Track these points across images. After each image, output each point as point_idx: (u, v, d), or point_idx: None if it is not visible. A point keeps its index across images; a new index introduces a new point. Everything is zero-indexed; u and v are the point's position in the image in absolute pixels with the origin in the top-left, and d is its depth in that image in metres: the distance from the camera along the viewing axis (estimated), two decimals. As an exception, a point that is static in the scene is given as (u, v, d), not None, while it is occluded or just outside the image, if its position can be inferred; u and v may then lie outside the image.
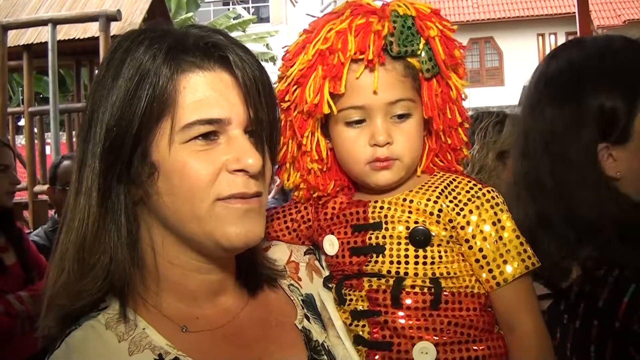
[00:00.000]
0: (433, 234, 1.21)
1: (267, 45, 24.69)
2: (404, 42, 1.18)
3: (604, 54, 1.50)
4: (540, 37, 25.92)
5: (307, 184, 1.31)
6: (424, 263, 1.20)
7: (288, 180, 1.32)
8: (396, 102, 1.20)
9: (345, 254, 1.27)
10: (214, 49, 1.11)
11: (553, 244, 1.43)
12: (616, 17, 23.99)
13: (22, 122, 9.17)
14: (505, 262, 1.20)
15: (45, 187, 4.24)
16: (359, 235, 1.25)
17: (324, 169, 1.29)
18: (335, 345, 1.24)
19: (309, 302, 1.29)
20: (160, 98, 1.06)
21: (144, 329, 1.10)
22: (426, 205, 1.22)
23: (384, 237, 1.23)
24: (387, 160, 1.22)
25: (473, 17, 24.75)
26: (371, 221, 1.25)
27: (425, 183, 1.26)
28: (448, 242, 1.22)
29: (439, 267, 1.20)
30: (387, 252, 1.22)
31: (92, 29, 8.09)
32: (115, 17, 7.45)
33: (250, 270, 1.24)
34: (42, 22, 7.52)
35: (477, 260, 1.21)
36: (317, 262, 1.37)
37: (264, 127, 1.14)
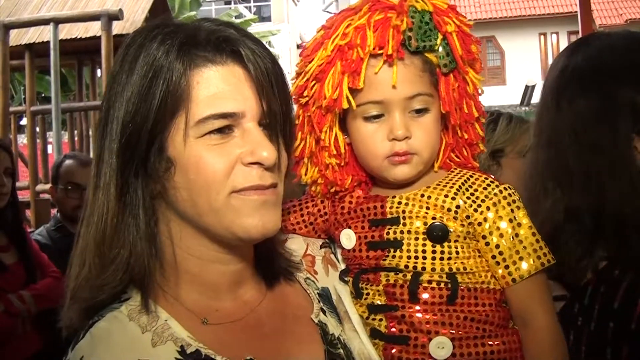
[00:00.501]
0: (450, 230, 1.21)
1: (269, 43, 24.72)
2: (422, 37, 1.19)
3: (633, 47, 1.50)
4: (542, 37, 25.92)
5: (325, 179, 1.31)
6: (441, 258, 1.21)
7: (306, 175, 1.33)
8: (414, 96, 1.21)
9: (363, 248, 1.27)
10: (226, 43, 1.11)
11: (574, 238, 1.43)
12: (618, 17, 23.98)
13: (24, 122, 9.19)
14: (521, 258, 1.21)
15: (48, 186, 4.25)
16: (376, 229, 1.26)
17: (342, 164, 1.30)
18: (351, 338, 1.25)
19: (324, 296, 1.30)
20: (174, 93, 1.07)
21: (166, 320, 1.12)
22: (444, 201, 1.23)
23: (401, 232, 1.23)
24: (406, 155, 1.23)
25: (475, 16, 24.73)
26: (389, 216, 1.25)
27: (443, 179, 1.27)
28: (465, 238, 1.22)
29: (455, 263, 1.21)
30: (404, 247, 1.23)
31: (94, 28, 8.10)
32: (117, 16, 7.45)
33: (268, 260, 1.25)
34: (44, 22, 7.53)
35: (493, 257, 1.22)
36: (332, 256, 1.38)
37: (278, 119, 1.15)
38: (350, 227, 1.30)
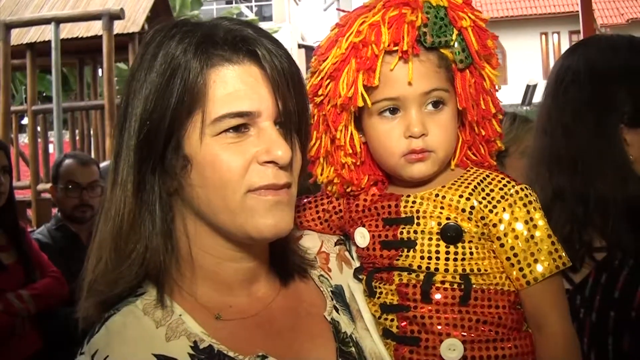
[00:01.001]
0: (465, 230, 1.20)
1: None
2: (437, 32, 1.17)
3: (630, 49, 1.60)
4: (543, 36, 25.91)
5: (341, 179, 1.31)
6: (455, 259, 1.20)
7: (321, 174, 1.32)
8: (430, 92, 1.20)
9: (376, 247, 1.27)
10: (243, 42, 1.12)
11: (562, 217, 1.47)
12: (619, 16, 23.97)
13: (25, 121, 9.21)
14: (536, 261, 1.19)
15: (49, 185, 4.25)
16: (390, 229, 1.25)
17: (358, 163, 1.29)
18: (363, 337, 1.25)
19: (338, 293, 1.30)
20: (191, 92, 1.08)
21: (180, 315, 1.13)
22: (458, 201, 1.21)
23: (415, 232, 1.22)
24: (423, 152, 1.21)
25: (476, 15, 24.65)
26: (403, 215, 1.24)
27: (459, 179, 1.26)
28: (479, 239, 1.21)
29: (469, 264, 1.20)
30: (418, 247, 1.22)
31: (95, 28, 8.12)
32: (118, 15, 7.47)
33: (283, 257, 1.26)
34: (45, 21, 7.54)
35: (508, 258, 1.20)
36: (347, 253, 1.38)
37: (294, 119, 1.15)
38: (364, 226, 1.29)
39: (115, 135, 1.17)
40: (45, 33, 8.00)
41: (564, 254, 1.21)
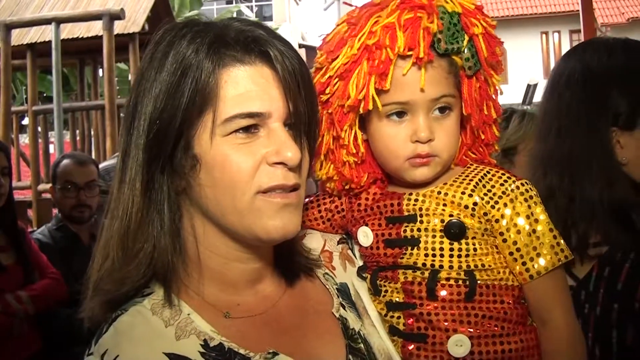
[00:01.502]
0: (468, 226, 1.21)
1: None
2: (450, 39, 1.17)
3: (625, 52, 1.62)
4: (544, 35, 25.91)
5: (341, 176, 1.31)
6: (459, 255, 1.21)
7: (320, 170, 1.32)
8: (440, 98, 1.20)
9: (380, 246, 1.27)
10: (255, 43, 1.12)
11: (554, 216, 1.49)
12: (620, 15, 23.96)
13: (25, 121, 9.22)
14: (538, 255, 1.21)
15: (49, 186, 4.25)
16: (393, 227, 1.26)
17: (359, 162, 1.29)
18: (371, 333, 1.26)
19: (343, 291, 1.31)
20: (202, 92, 1.08)
21: (188, 314, 1.13)
22: (461, 198, 1.22)
23: (418, 229, 1.23)
24: (428, 157, 1.22)
25: (476, 15, 24.66)
26: (406, 213, 1.25)
27: (460, 176, 1.27)
28: (482, 235, 1.22)
29: (473, 260, 1.21)
30: (422, 245, 1.22)
31: (95, 28, 8.13)
32: (118, 15, 7.47)
33: (288, 258, 1.26)
34: (45, 21, 7.55)
35: (510, 253, 1.21)
36: (349, 252, 1.38)
37: (303, 120, 1.16)
38: (367, 225, 1.30)
39: (122, 134, 1.16)
40: (45, 33, 8.00)
41: (565, 247, 1.22)
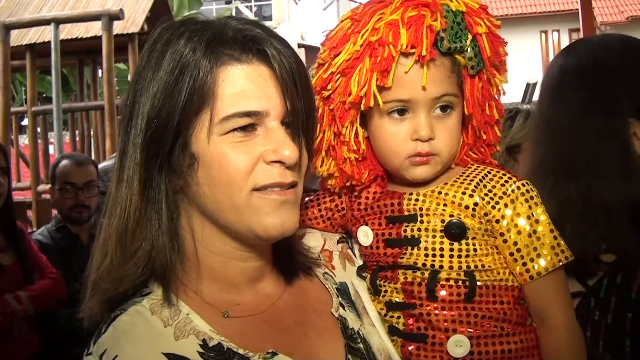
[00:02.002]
0: (468, 227, 1.21)
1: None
2: (453, 38, 1.17)
3: (625, 48, 1.59)
4: (543, 34, 25.89)
5: (342, 173, 1.30)
6: (459, 256, 1.20)
7: (321, 167, 1.32)
8: (441, 97, 1.20)
9: (380, 245, 1.27)
10: (252, 42, 1.12)
11: (573, 225, 1.44)
12: (619, 14, 23.95)
13: (25, 122, 9.21)
14: (538, 255, 1.20)
15: (49, 186, 4.25)
16: (393, 227, 1.25)
17: (360, 159, 1.29)
18: (370, 333, 1.26)
19: (343, 291, 1.30)
20: (200, 90, 1.08)
21: (187, 314, 1.13)
22: (462, 198, 1.22)
23: (419, 229, 1.23)
24: (428, 156, 1.22)
25: (475, 14, 24.63)
26: (406, 213, 1.24)
27: (460, 176, 1.26)
28: (483, 235, 1.22)
29: (473, 260, 1.21)
30: (422, 245, 1.22)
31: (94, 28, 8.12)
32: (117, 16, 7.46)
33: (287, 257, 1.26)
34: (44, 22, 7.54)
35: (511, 254, 1.21)
36: (349, 251, 1.38)
37: (301, 119, 1.16)
38: (367, 224, 1.29)
39: (120, 133, 1.17)
40: (44, 34, 8.00)
41: (566, 248, 1.22)
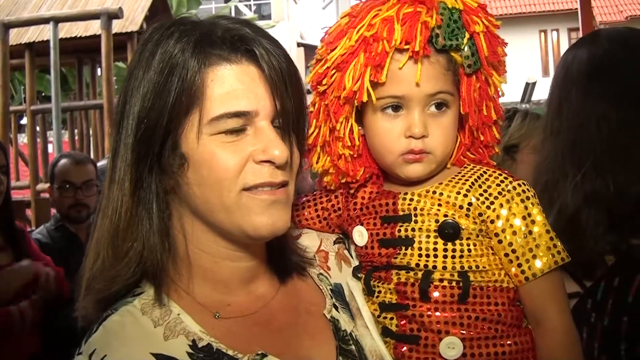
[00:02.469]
0: (462, 227, 1.20)
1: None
2: (449, 35, 1.16)
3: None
4: (542, 34, 25.90)
5: (337, 169, 1.30)
6: (453, 256, 1.20)
7: (317, 163, 1.32)
8: (436, 94, 1.19)
9: (374, 246, 1.26)
10: (241, 42, 1.12)
11: (594, 219, 1.42)
12: (618, 13, 23.96)
13: (24, 121, 9.20)
14: (534, 256, 1.19)
15: (47, 185, 4.24)
16: (388, 227, 1.25)
17: (355, 156, 1.28)
18: (363, 335, 1.25)
19: (337, 292, 1.30)
20: (188, 91, 1.08)
21: (178, 314, 1.13)
22: (456, 198, 1.21)
23: (413, 229, 1.22)
24: (421, 153, 1.21)
25: (475, 13, 24.63)
26: (400, 213, 1.24)
27: (455, 176, 1.25)
28: (477, 236, 1.21)
29: (467, 261, 1.20)
30: (416, 245, 1.21)
31: (93, 27, 8.12)
32: (116, 14, 7.44)
33: (281, 256, 1.26)
34: (44, 20, 7.53)
35: (506, 255, 1.20)
36: (346, 252, 1.38)
37: (291, 118, 1.15)
38: (362, 224, 1.29)
39: (112, 134, 1.17)
40: (43, 33, 7.99)
41: (562, 249, 1.21)
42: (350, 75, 1.19)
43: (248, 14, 26.03)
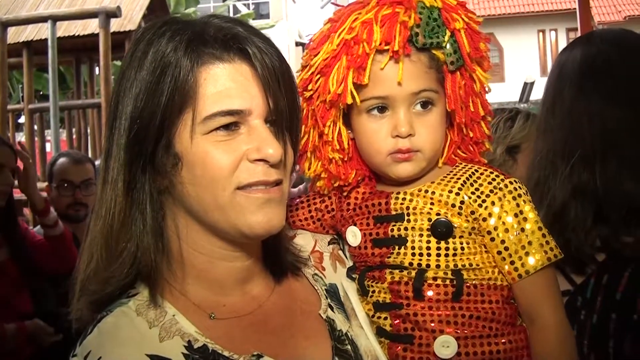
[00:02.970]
0: (455, 225, 1.20)
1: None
2: (429, 33, 1.17)
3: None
4: (540, 34, 25.93)
5: (329, 174, 1.31)
6: (446, 255, 1.20)
7: (309, 169, 1.32)
8: (420, 92, 1.20)
9: (368, 245, 1.26)
10: (234, 40, 1.12)
11: (582, 211, 1.43)
12: (617, 13, 23.98)
13: (22, 120, 9.16)
14: (527, 253, 1.19)
15: (45, 184, 4.23)
16: (381, 226, 1.25)
17: (345, 159, 1.29)
18: (359, 335, 1.25)
19: (332, 292, 1.30)
20: (181, 90, 1.08)
21: (173, 315, 1.13)
22: (448, 197, 1.21)
23: (405, 228, 1.22)
24: (409, 152, 1.22)
25: (473, 13, 24.66)
26: (393, 213, 1.24)
27: (447, 174, 1.26)
28: (470, 234, 1.21)
29: (460, 259, 1.20)
30: (409, 244, 1.22)
31: (92, 26, 8.09)
32: (115, 13, 7.43)
33: (276, 256, 1.25)
34: (41, 19, 7.51)
35: (499, 252, 1.20)
36: (340, 252, 1.38)
37: (284, 117, 1.15)
38: (355, 224, 1.29)
39: (105, 134, 1.17)
40: (41, 31, 7.97)
41: (555, 246, 1.21)
42: (333, 78, 1.20)
43: (244, 10, 25.99)
